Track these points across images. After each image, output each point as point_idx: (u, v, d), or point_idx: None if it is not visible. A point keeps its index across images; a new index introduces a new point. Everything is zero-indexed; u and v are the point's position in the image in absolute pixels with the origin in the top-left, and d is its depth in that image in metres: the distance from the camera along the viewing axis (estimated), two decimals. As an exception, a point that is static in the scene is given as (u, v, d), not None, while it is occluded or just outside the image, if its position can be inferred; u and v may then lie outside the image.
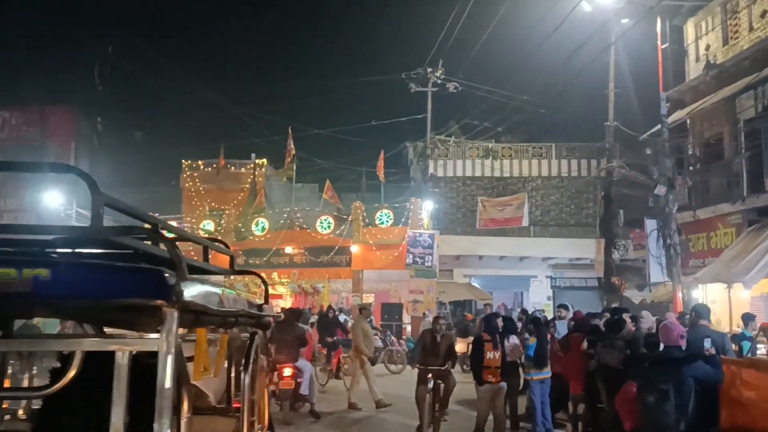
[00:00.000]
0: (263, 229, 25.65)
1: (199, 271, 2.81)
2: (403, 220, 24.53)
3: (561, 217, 27.89)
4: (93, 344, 2.30)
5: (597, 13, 17.95)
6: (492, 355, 8.92)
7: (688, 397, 5.28)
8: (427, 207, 25.06)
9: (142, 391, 2.06)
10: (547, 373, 9.54)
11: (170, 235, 2.62)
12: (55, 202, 26.18)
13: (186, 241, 3.13)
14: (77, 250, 2.37)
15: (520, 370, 10.00)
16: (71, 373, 2.41)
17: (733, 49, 15.75)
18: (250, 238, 25.86)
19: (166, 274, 1.94)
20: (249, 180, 31.71)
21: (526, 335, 9.99)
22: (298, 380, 10.90)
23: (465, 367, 15.11)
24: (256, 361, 3.43)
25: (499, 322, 9.36)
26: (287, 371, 10.73)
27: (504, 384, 9.10)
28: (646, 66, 19.19)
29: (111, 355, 2.06)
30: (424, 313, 21.52)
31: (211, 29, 58.20)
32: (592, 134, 24.94)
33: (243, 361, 3.35)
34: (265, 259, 24.84)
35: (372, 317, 17.33)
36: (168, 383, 1.93)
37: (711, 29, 16.63)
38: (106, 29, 48.95)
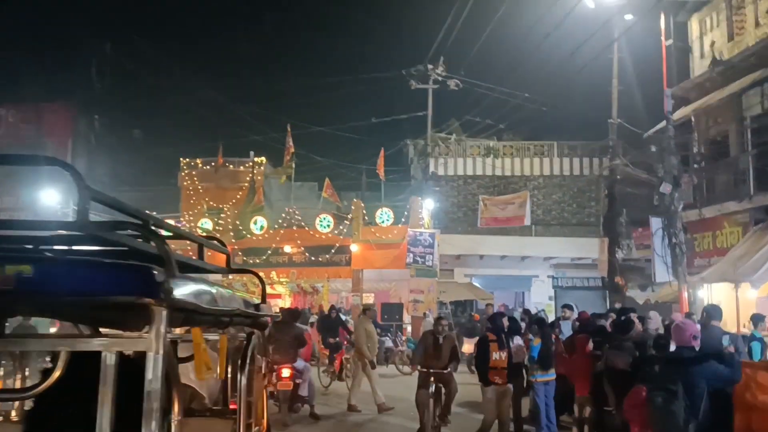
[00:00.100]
0: (262, 227, 25.49)
1: (193, 269, 2.74)
2: (403, 218, 24.34)
3: (563, 216, 27.68)
4: (77, 344, 2.27)
5: (600, 10, 17.71)
6: (498, 356, 8.65)
7: (699, 399, 5.04)
8: (427, 206, 24.88)
9: (136, 392, 1.97)
10: (551, 374, 9.34)
11: (163, 233, 2.58)
12: (51, 200, 26.00)
13: (180, 238, 3.12)
14: (65, 247, 2.34)
15: (523, 371, 9.77)
16: (56, 374, 2.41)
17: (738, 45, 15.52)
18: (249, 236, 25.72)
19: (155, 271, 1.88)
20: (248, 178, 31.56)
21: (530, 336, 9.75)
22: (297, 381, 10.76)
23: (473, 368, 14.90)
24: (253, 362, 3.36)
25: (505, 321, 9.08)
26: (285, 372, 10.61)
27: (510, 386, 8.86)
28: (650, 63, 18.98)
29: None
30: (424, 313, 21.34)
31: (210, 27, 58.03)
32: (595, 132, 24.82)
33: (239, 361, 3.29)
34: (263, 258, 24.68)
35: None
36: (156, 384, 1.87)
37: (716, 25, 16.39)
38: (104, 27, 48.82)
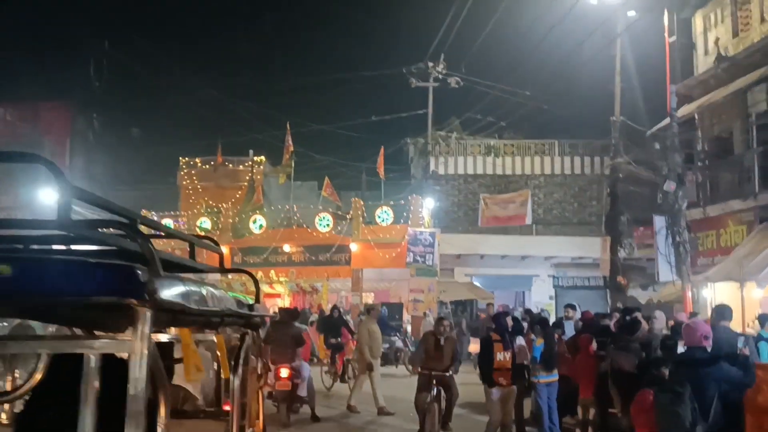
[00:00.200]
0: (261, 227, 25.33)
1: (183, 269, 2.70)
2: (403, 218, 24.16)
3: (564, 216, 27.51)
4: (58, 346, 2.24)
5: (602, 7, 17.53)
6: (502, 357, 8.42)
7: (710, 402, 4.85)
8: (427, 205, 24.71)
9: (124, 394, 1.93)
10: (554, 375, 9.17)
11: (153, 231, 2.56)
12: (50, 199, 25.82)
13: (170, 238, 3.11)
14: (60, 246, 2.29)
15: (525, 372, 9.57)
16: (38, 376, 2.44)
17: (743, 41, 15.32)
18: (248, 236, 25.56)
19: (139, 271, 1.81)
20: (247, 177, 31.38)
21: (532, 336, 9.56)
22: (296, 381, 10.61)
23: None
24: (247, 363, 3.31)
25: (508, 321, 8.87)
26: (284, 372, 10.48)
27: (515, 387, 8.66)
28: (653, 60, 18.79)
29: (105, 356, 1.97)
30: (424, 313, 21.20)
31: (209, 25, 57.84)
32: (596, 131, 24.64)
33: (232, 362, 3.24)
34: (262, 257, 24.52)
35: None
36: (141, 387, 1.82)
37: (720, 21, 16.19)
38: (103, 25, 48.63)
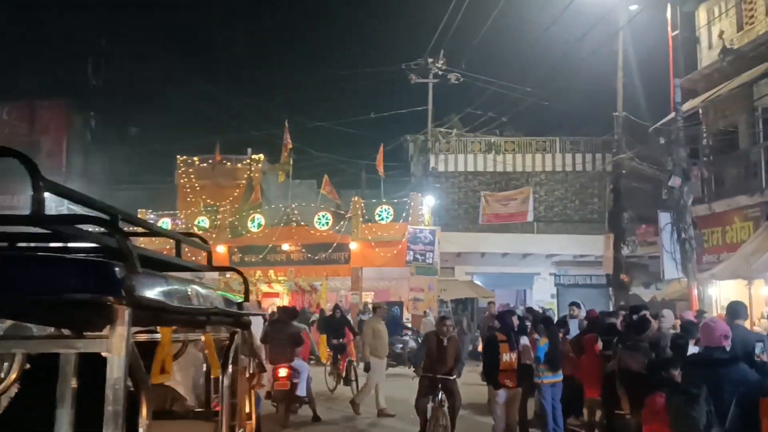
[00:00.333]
0: (259, 225, 25.12)
1: (168, 267, 2.63)
2: (403, 216, 23.94)
3: (565, 213, 27.28)
4: (33, 346, 2.23)
5: (603, 0, 17.26)
6: (508, 357, 8.13)
7: (727, 404, 4.59)
8: (427, 202, 24.48)
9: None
10: (559, 376, 8.94)
11: (138, 229, 2.54)
12: (47, 199, 25.59)
13: (156, 235, 3.08)
14: (31, 244, 2.26)
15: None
16: (12, 376, 2.45)
17: (748, 34, 15.07)
18: (246, 234, 25.35)
19: (116, 268, 1.76)
20: (245, 176, 31.15)
21: (536, 336, 9.32)
22: (294, 381, 10.51)
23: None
24: (237, 362, 3.29)
25: (514, 320, 8.60)
26: (282, 372, 10.39)
27: (520, 389, 8.40)
28: (655, 55, 18.54)
29: (88, 356, 1.94)
30: (425, 312, 21.01)
31: (207, 22, 57.49)
32: (597, 128, 24.38)
33: (221, 362, 3.25)
34: (261, 256, 24.30)
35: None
36: (119, 387, 1.77)
37: (725, 14, 15.93)
38: (100, 22, 48.33)
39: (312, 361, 17.12)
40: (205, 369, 4.34)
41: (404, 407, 10.95)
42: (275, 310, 15.35)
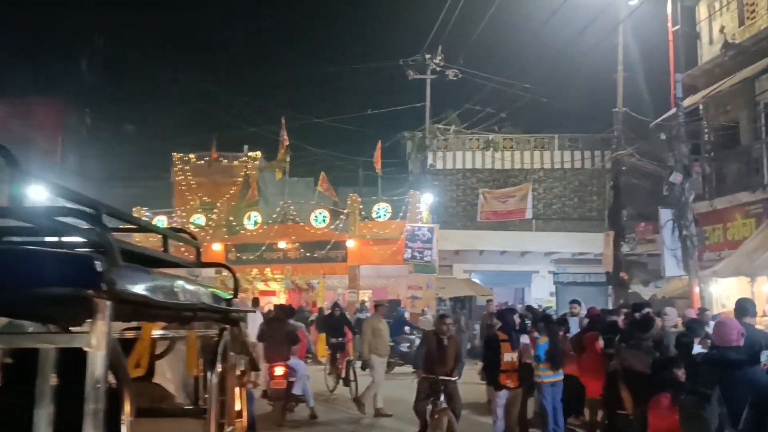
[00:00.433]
0: (256, 223, 24.96)
1: (155, 262, 2.63)
2: (401, 213, 23.78)
3: (564, 211, 27.14)
4: (12, 340, 2.19)
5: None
6: (510, 357, 7.93)
7: (741, 407, 4.42)
8: (426, 200, 24.31)
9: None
10: (559, 375, 8.76)
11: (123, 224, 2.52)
12: (40, 196, 25.36)
13: (142, 231, 3.06)
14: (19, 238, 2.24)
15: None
16: None
17: (750, 29, 14.91)
18: (243, 232, 25.17)
19: (96, 261, 1.73)
20: (242, 173, 30.96)
21: (536, 334, 9.15)
22: (291, 379, 10.42)
23: None
24: (226, 359, 3.27)
25: (516, 318, 8.41)
26: (278, 370, 10.29)
27: (521, 389, 8.22)
28: (654, 52, 18.37)
29: (76, 350, 1.87)
30: (423, 310, 20.89)
31: (203, 18, 57.26)
32: (596, 125, 24.23)
33: (210, 359, 3.23)
34: (257, 254, 24.14)
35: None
36: (99, 383, 1.73)
37: (725, 9, 15.76)
38: (95, 19, 48.11)
39: (309, 360, 16.96)
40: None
41: (402, 407, 10.78)
42: (272, 308, 15.18)
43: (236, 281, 3.61)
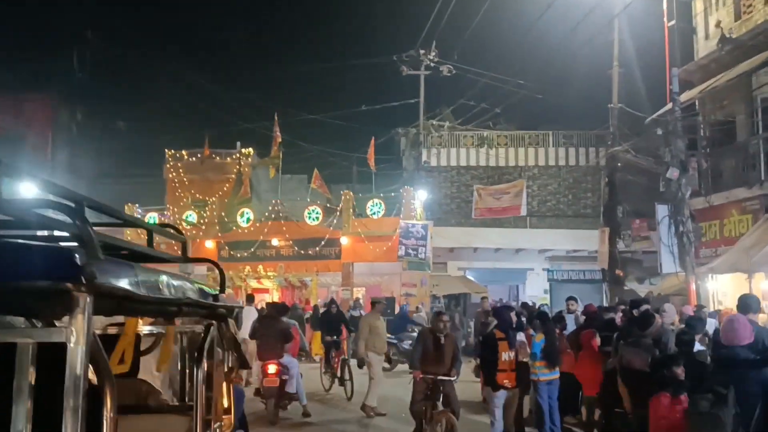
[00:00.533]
0: (248, 220, 24.75)
1: (140, 257, 2.61)
2: (395, 210, 23.61)
3: (558, 208, 27.01)
4: None
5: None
6: (507, 356, 7.75)
7: (754, 407, 4.28)
8: (420, 197, 24.15)
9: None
10: (555, 373, 8.64)
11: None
12: (31, 193, 25.10)
13: (126, 225, 3.02)
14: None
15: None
16: None
17: (746, 23, 14.78)
18: (235, 229, 24.98)
19: (75, 253, 1.68)
20: (234, 170, 30.78)
21: (531, 332, 9.02)
22: (284, 377, 10.35)
23: None
24: (212, 355, 3.23)
25: (512, 316, 8.25)
26: (271, 368, 10.26)
27: (518, 389, 8.06)
28: (650, 47, 18.28)
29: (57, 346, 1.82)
30: (417, 307, 20.72)
31: (195, 13, 56.86)
32: (591, 121, 24.13)
33: (196, 355, 3.21)
34: (250, 251, 23.94)
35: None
36: (78, 379, 1.69)
37: (722, 4, 15.64)
38: (86, 14, 47.70)
39: (302, 358, 16.77)
40: (180, 363, 4.30)
41: (397, 406, 10.63)
42: (264, 306, 15.01)
43: (222, 276, 3.55)
